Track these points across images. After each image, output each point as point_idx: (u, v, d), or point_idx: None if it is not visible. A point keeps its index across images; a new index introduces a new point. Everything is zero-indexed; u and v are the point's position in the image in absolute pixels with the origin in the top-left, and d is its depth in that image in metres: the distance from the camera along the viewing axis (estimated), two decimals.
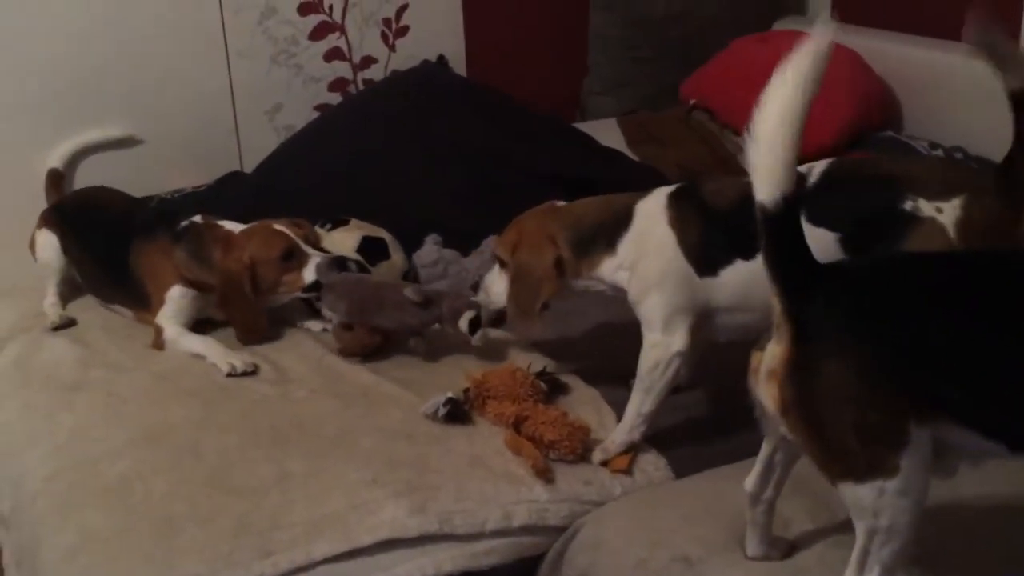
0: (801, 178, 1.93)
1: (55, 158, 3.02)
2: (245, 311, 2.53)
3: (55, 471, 2.08)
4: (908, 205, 1.89)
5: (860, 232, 1.91)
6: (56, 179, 2.99)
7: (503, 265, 2.25)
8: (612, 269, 2.12)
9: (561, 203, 2.24)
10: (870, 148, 3.13)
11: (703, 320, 2.07)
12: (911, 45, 3.29)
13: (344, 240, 2.72)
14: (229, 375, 2.40)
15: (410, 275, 2.77)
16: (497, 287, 2.27)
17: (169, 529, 1.87)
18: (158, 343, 2.54)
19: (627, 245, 2.10)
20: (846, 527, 1.79)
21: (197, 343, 2.51)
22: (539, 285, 2.15)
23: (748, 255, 1.96)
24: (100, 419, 2.24)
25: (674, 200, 2.08)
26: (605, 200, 2.19)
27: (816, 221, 1.90)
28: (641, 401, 2.09)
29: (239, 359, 2.43)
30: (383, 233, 2.75)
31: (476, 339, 2.38)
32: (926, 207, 1.88)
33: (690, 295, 2.04)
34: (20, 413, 2.33)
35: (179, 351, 2.51)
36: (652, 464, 2.08)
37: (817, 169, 1.98)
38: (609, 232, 2.11)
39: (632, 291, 2.09)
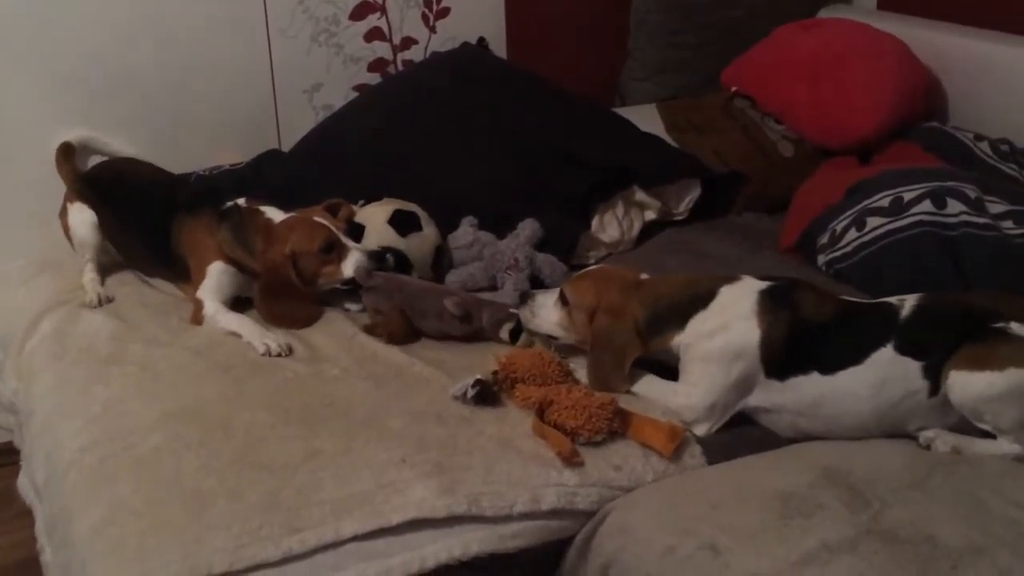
0: (894, 311, 2.06)
1: (72, 135, 2.98)
2: (294, 300, 2.53)
3: (88, 443, 2.09)
4: (1000, 324, 1.97)
5: (944, 357, 1.99)
6: (68, 152, 2.96)
7: (564, 302, 2.27)
8: (676, 344, 2.17)
9: (645, 276, 2.27)
10: (914, 138, 3.09)
11: (756, 414, 2.15)
12: (958, 35, 3.24)
13: (376, 213, 2.72)
14: (264, 355, 2.40)
15: (444, 252, 2.76)
16: (547, 314, 2.31)
17: (199, 503, 1.88)
18: (197, 318, 2.56)
19: (698, 322, 2.14)
20: (880, 518, 1.79)
21: (234, 321, 2.52)
22: (624, 349, 2.18)
23: (828, 370, 2.05)
24: (134, 393, 2.25)
25: (767, 298, 2.12)
26: (690, 280, 2.23)
27: (903, 351, 2.01)
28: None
29: (274, 340, 2.43)
30: (415, 208, 2.75)
31: (519, 344, 2.41)
32: (1020, 328, 1.96)
33: (743, 393, 2.11)
34: (56, 385, 2.35)
35: (216, 328, 2.52)
36: (687, 452, 2.07)
37: (910, 303, 2.08)
38: (684, 311, 2.16)
39: (687, 353, 2.15)
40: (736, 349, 2.09)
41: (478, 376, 2.17)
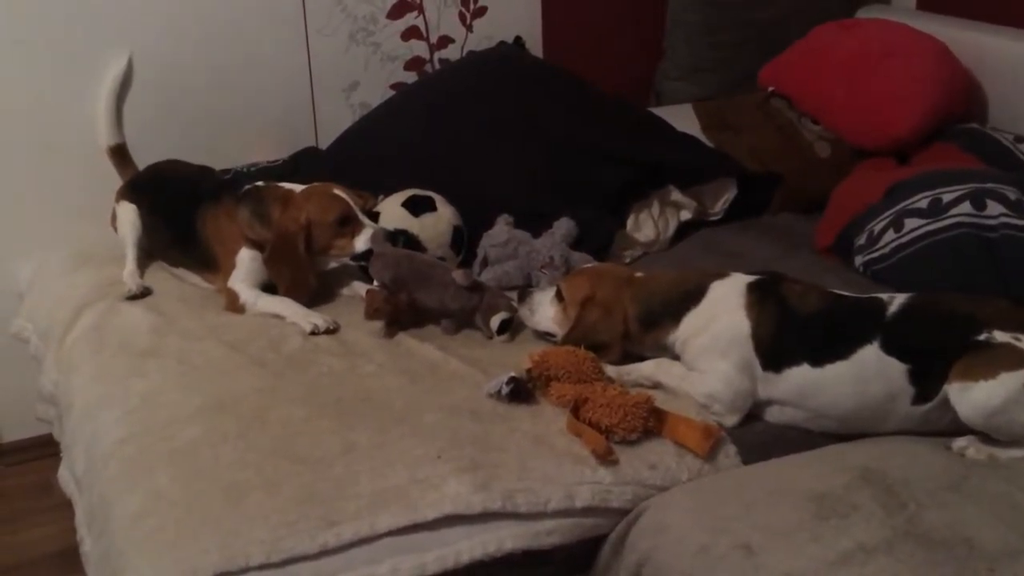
0: (882, 306, 2.07)
1: (105, 135, 3.02)
2: (294, 268, 2.56)
3: (127, 435, 2.12)
4: (983, 337, 1.98)
5: (928, 364, 2.01)
6: (119, 153, 3.02)
7: (560, 299, 2.34)
8: (671, 341, 2.23)
9: (640, 274, 2.33)
10: (953, 139, 3.06)
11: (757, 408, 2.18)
12: (998, 35, 3.21)
13: (393, 199, 2.77)
14: (312, 333, 2.45)
15: (463, 233, 2.79)
16: (544, 311, 2.38)
17: (236, 495, 1.90)
18: (236, 307, 2.59)
19: (691, 318, 2.20)
20: (916, 520, 1.77)
21: (276, 304, 2.56)
22: (603, 349, 2.25)
23: (817, 362, 2.08)
24: (171, 386, 2.27)
25: (754, 290, 2.17)
26: (680, 276, 2.30)
27: (888, 351, 2.03)
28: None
29: (320, 318, 2.48)
30: (432, 194, 2.78)
31: (501, 339, 2.44)
32: (1002, 336, 1.97)
33: (753, 380, 2.13)
34: (95, 377, 2.37)
35: (257, 313, 2.56)
36: (722, 451, 2.07)
37: (898, 301, 2.11)
38: (677, 307, 2.22)
39: (685, 351, 2.21)
40: (728, 339, 2.14)
41: (512, 373, 2.17)
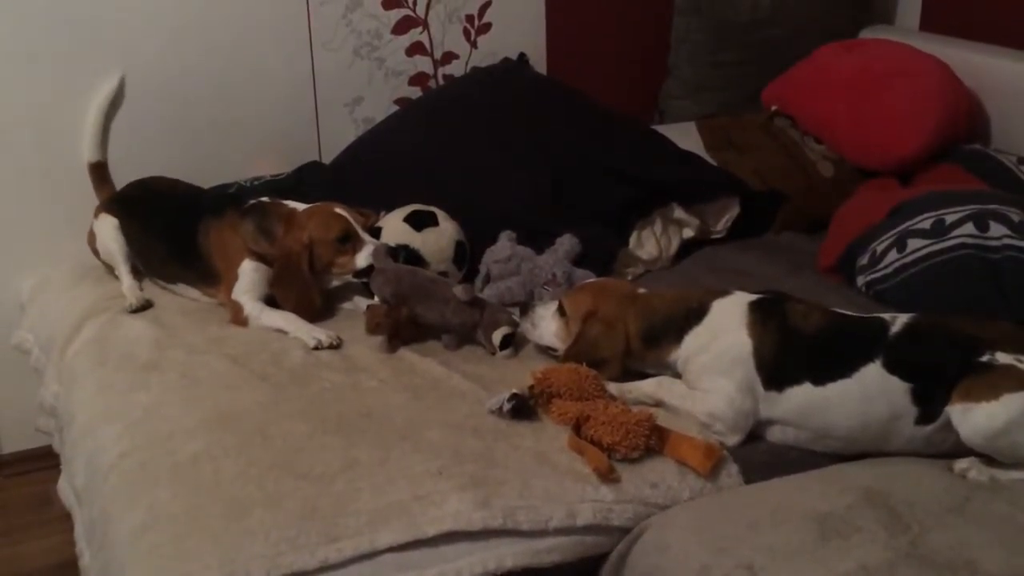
0: (884, 326, 2.08)
1: (88, 150, 3.00)
2: (300, 288, 2.57)
3: (128, 449, 2.11)
4: (985, 358, 1.98)
5: (930, 384, 2.01)
6: (100, 171, 3.00)
7: (563, 313, 2.34)
8: (673, 359, 2.23)
9: (643, 290, 2.34)
10: (956, 160, 3.07)
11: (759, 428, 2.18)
12: (1001, 56, 3.22)
13: (395, 215, 2.78)
14: (316, 348, 2.45)
15: (465, 247, 2.79)
16: (546, 325, 2.38)
17: (237, 510, 1.89)
18: (240, 319, 2.59)
19: (693, 337, 2.20)
20: (919, 542, 1.77)
21: (279, 319, 2.56)
22: (603, 366, 2.25)
23: (819, 381, 2.07)
24: (173, 399, 2.27)
25: (756, 309, 2.17)
26: (682, 294, 2.30)
27: (891, 369, 2.03)
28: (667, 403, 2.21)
29: (323, 333, 2.49)
30: (435, 209, 2.79)
31: (503, 354, 2.44)
32: (1004, 358, 1.97)
33: (755, 399, 2.13)
34: (96, 391, 2.37)
35: (260, 327, 2.56)
36: (724, 471, 2.07)
37: (901, 320, 2.11)
38: (679, 325, 2.22)
39: (687, 369, 2.20)
40: (731, 359, 2.14)
41: (514, 390, 2.17)
